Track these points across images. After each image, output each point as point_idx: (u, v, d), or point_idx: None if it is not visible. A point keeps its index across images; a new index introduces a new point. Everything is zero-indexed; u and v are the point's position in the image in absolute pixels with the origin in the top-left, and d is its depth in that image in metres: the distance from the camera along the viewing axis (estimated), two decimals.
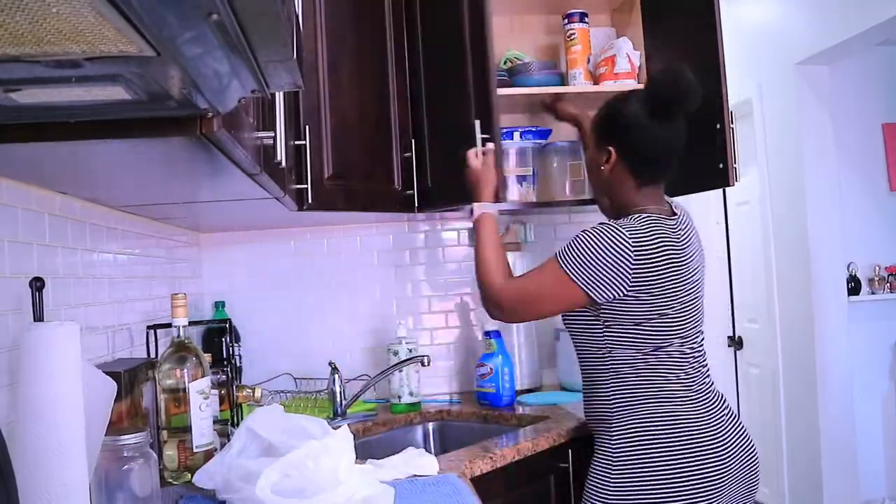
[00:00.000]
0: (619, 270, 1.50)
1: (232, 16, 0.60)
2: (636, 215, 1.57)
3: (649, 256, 1.51)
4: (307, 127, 1.87)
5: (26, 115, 0.83)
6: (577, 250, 1.54)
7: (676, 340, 1.56)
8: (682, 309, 1.56)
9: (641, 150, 1.60)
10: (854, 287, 3.75)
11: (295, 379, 2.38)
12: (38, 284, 1.05)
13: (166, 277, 2.02)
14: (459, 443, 1.93)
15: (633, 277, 1.50)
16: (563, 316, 1.68)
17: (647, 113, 1.57)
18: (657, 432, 1.52)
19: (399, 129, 2.18)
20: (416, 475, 1.44)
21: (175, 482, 1.39)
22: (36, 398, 0.94)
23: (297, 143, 1.83)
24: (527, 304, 1.63)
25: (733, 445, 1.54)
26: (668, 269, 1.53)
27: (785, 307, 3.59)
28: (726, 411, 1.59)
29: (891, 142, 3.91)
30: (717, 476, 1.49)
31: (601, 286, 1.52)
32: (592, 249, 1.52)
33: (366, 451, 1.93)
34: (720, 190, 4.36)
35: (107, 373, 1.14)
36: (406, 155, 2.18)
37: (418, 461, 1.49)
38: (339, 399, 2.12)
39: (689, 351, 1.58)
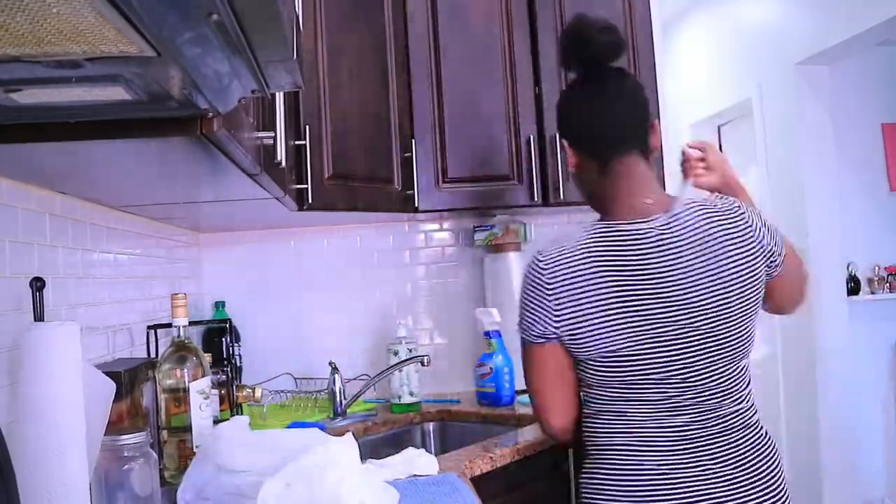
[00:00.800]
0: (537, 305, 1.30)
1: (232, 16, 0.60)
2: (583, 231, 1.30)
3: (571, 285, 1.25)
4: (307, 127, 1.87)
5: (26, 116, 0.83)
6: (519, 311, 1.35)
7: (639, 378, 1.24)
8: (644, 338, 1.22)
9: (579, 119, 1.35)
10: (854, 287, 3.76)
11: (295, 379, 2.38)
12: (38, 284, 1.05)
13: (166, 277, 2.02)
14: (459, 443, 1.93)
15: (556, 312, 1.27)
16: None
17: (568, 87, 1.40)
18: (611, 480, 1.29)
19: (399, 129, 2.18)
20: (416, 475, 1.44)
21: (175, 482, 1.39)
22: (36, 398, 0.94)
23: (297, 143, 1.83)
24: (552, 402, 1.35)
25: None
26: (606, 299, 1.23)
27: None
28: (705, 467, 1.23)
29: (890, 142, 3.92)
30: None
31: (532, 328, 1.32)
32: (521, 294, 1.34)
33: (366, 450, 1.93)
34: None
35: (107, 373, 1.13)
36: (406, 155, 2.18)
37: (418, 461, 1.48)
38: (339, 399, 2.12)
39: (665, 390, 1.24)
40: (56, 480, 0.93)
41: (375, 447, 2.02)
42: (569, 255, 1.27)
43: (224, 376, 1.77)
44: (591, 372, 1.29)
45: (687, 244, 1.25)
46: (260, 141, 1.27)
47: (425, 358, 2.14)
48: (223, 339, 1.99)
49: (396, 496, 1.22)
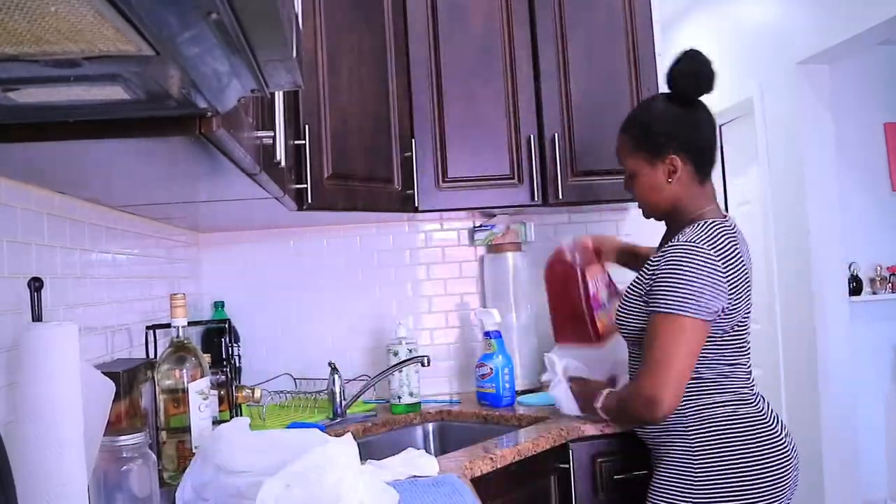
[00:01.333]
0: (717, 285, 1.48)
1: (231, 15, 0.60)
2: (705, 226, 1.55)
3: (733, 265, 1.52)
4: (307, 127, 1.87)
5: (25, 115, 0.83)
6: (677, 289, 1.48)
7: (744, 343, 1.57)
8: (748, 315, 1.57)
9: (701, 141, 1.60)
10: (855, 287, 3.75)
11: (294, 379, 2.38)
12: (36, 284, 1.05)
13: (165, 277, 2.02)
14: (459, 443, 1.93)
15: (728, 287, 1.50)
16: (621, 328, 1.66)
17: (681, 105, 1.60)
18: (733, 436, 1.51)
19: (399, 129, 2.18)
20: (416, 476, 1.44)
21: (174, 483, 1.38)
22: (34, 398, 0.94)
23: (296, 142, 1.83)
24: (677, 378, 1.49)
25: (792, 447, 1.55)
26: (743, 274, 1.54)
27: (786, 307, 3.59)
28: (777, 416, 1.59)
29: (892, 141, 3.91)
30: (786, 476, 1.51)
31: (709, 306, 1.48)
32: (688, 278, 1.48)
33: (366, 451, 1.92)
34: (721, 190, 4.36)
35: (105, 373, 1.13)
36: (406, 155, 2.18)
37: (418, 462, 1.48)
38: (338, 399, 2.12)
39: (748, 360, 1.59)
40: (55, 481, 0.93)
41: (375, 448, 2.02)
42: (722, 243, 1.52)
43: (223, 377, 1.77)
44: (723, 343, 1.54)
45: (744, 244, 1.60)
46: (259, 140, 1.27)
47: (425, 358, 2.14)
48: (222, 340, 1.98)
49: (396, 497, 1.22)
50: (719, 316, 1.51)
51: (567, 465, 1.82)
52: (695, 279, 1.47)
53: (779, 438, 1.53)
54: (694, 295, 1.47)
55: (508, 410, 2.14)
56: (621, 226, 2.64)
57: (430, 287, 2.55)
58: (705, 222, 1.56)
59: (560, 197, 2.25)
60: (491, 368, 2.19)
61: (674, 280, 1.49)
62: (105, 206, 1.56)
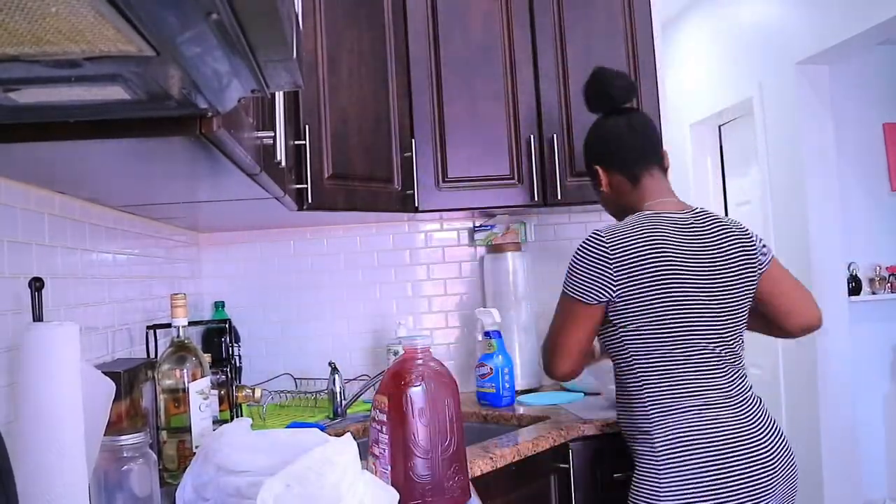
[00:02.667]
0: (599, 270, 1.53)
1: (232, 15, 0.60)
2: (629, 217, 1.60)
3: (629, 252, 1.52)
4: (307, 127, 1.87)
5: (25, 115, 0.83)
6: (569, 270, 1.60)
7: (704, 343, 1.52)
8: (702, 307, 1.52)
9: (610, 145, 1.71)
10: (855, 287, 3.75)
11: (294, 379, 2.38)
12: (37, 284, 1.05)
13: (166, 277, 2.02)
14: None
15: (616, 273, 1.52)
16: (598, 336, 1.66)
17: (595, 125, 1.77)
18: (697, 439, 1.48)
19: (399, 128, 2.18)
20: None
21: (174, 483, 1.38)
22: (35, 398, 0.94)
23: (296, 142, 1.83)
24: (557, 346, 1.63)
25: (775, 451, 1.50)
26: (659, 263, 1.51)
27: None
28: (765, 418, 1.54)
29: (891, 141, 3.91)
30: (762, 481, 1.46)
31: (588, 290, 1.55)
32: (576, 260, 1.58)
33: (365, 451, 1.93)
34: (720, 190, 4.37)
35: (106, 373, 1.13)
36: (406, 155, 2.18)
37: None
38: (338, 399, 2.12)
39: (725, 355, 1.54)
40: (55, 481, 0.93)
41: None
42: (627, 232, 1.54)
43: (223, 376, 1.77)
44: (661, 333, 1.52)
45: (712, 234, 1.59)
46: (259, 140, 1.27)
47: None
48: (222, 340, 1.98)
49: (396, 496, 1.22)
50: (609, 303, 1.54)
51: (567, 465, 1.82)
52: (577, 262, 1.57)
53: (750, 450, 1.47)
54: (573, 276, 1.57)
55: (508, 410, 2.14)
56: None
57: (430, 287, 2.55)
58: (637, 215, 1.61)
59: (560, 197, 2.25)
60: (491, 368, 2.20)
61: (571, 261, 1.60)
62: (105, 206, 1.56)
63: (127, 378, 1.32)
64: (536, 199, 2.26)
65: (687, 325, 1.52)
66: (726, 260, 1.57)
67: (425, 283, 2.55)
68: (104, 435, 1.09)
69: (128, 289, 1.71)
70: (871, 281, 3.85)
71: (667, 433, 1.50)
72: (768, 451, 1.49)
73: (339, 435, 1.14)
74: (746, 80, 3.80)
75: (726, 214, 4.18)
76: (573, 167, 2.28)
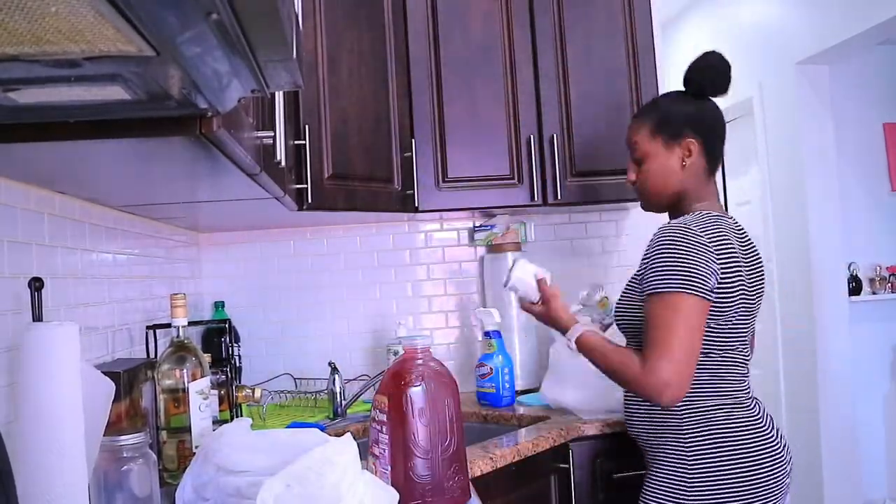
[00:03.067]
0: (710, 263, 1.44)
1: (232, 15, 0.60)
2: (701, 215, 1.53)
3: (724, 252, 1.47)
4: (307, 127, 1.87)
5: (25, 115, 0.83)
6: (673, 267, 1.45)
7: (738, 345, 1.52)
8: (746, 312, 1.51)
9: (717, 129, 1.63)
10: (855, 287, 3.75)
11: (294, 379, 2.38)
12: (37, 284, 1.05)
13: (165, 277, 2.02)
14: None
15: (717, 268, 1.45)
16: (618, 322, 1.62)
17: (698, 98, 1.65)
18: (728, 437, 1.48)
19: (399, 128, 2.18)
20: None
21: (174, 483, 1.38)
22: (35, 398, 0.94)
23: (296, 142, 1.83)
24: (686, 362, 1.43)
25: (786, 449, 1.54)
26: (735, 268, 1.48)
27: (786, 307, 3.59)
28: (771, 419, 1.57)
29: (892, 141, 3.91)
30: (779, 480, 1.49)
31: (707, 284, 1.44)
32: (680, 255, 1.45)
33: (365, 451, 1.93)
34: (720, 190, 4.36)
35: (106, 373, 1.13)
36: (406, 155, 2.18)
37: None
38: (338, 399, 2.12)
39: (745, 358, 1.55)
40: (55, 481, 0.93)
41: None
42: (714, 231, 1.49)
43: (223, 376, 1.77)
44: (714, 333, 1.48)
45: (753, 247, 1.59)
46: (259, 141, 1.27)
47: None
48: (222, 340, 1.98)
49: (396, 496, 1.22)
50: (713, 298, 1.45)
51: (567, 465, 1.82)
52: (685, 256, 1.44)
53: (774, 442, 1.51)
54: (686, 271, 1.43)
55: (508, 410, 2.14)
56: (621, 225, 2.64)
57: (430, 287, 2.55)
58: (702, 213, 1.55)
59: (560, 197, 2.25)
60: (491, 368, 2.20)
61: (665, 259, 1.46)
62: (105, 206, 1.56)
63: (127, 378, 1.32)
64: (536, 199, 2.26)
65: (745, 328, 1.53)
66: (759, 274, 1.58)
67: (425, 283, 2.55)
68: (104, 435, 1.09)
69: (128, 289, 1.71)
70: (872, 281, 3.85)
71: (703, 432, 1.48)
72: (782, 448, 1.53)
73: (339, 435, 1.14)
74: (746, 80, 3.80)
75: None
76: (573, 167, 2.28)
